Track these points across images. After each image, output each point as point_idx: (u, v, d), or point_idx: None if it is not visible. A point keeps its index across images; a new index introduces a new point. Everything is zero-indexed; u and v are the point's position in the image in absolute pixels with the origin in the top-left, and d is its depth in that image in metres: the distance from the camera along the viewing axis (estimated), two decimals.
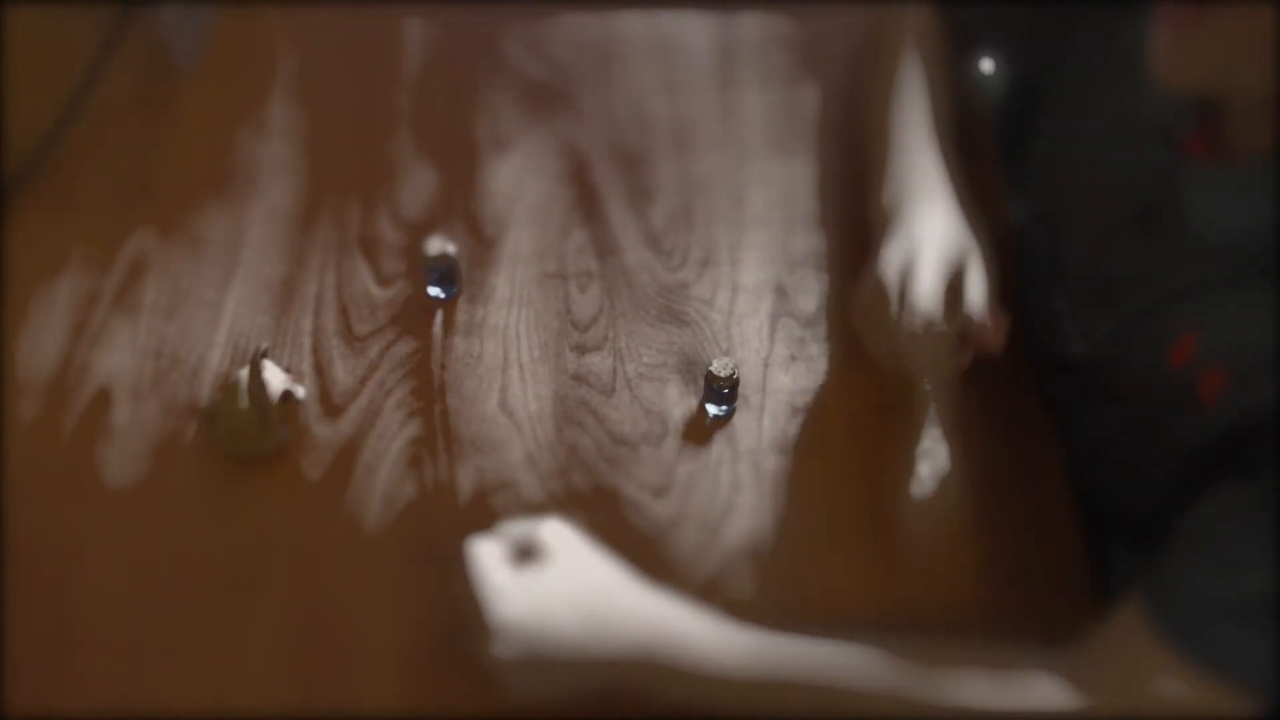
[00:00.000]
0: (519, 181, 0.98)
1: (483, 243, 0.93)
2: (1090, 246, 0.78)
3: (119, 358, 0.86)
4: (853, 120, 1.00)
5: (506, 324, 0.89)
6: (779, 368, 0.86)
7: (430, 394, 0.85)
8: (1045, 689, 0.65)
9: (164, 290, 0.90)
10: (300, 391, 0.81)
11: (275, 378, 0.80)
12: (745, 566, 0.76)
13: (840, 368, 0.86)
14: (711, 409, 0.83)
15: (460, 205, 0.96)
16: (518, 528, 0.71)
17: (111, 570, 0.76)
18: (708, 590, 0.75)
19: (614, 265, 0.92)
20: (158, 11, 1.10)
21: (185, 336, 0.88)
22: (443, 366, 0.86)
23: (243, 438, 0.80)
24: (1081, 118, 0.81)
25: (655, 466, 0.81)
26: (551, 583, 0.68)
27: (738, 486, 0.80)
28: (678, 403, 0.84)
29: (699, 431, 0.83)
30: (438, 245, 0.87)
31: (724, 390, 0.82)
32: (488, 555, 0.68)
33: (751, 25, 1.11)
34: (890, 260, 0.77)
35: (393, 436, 0.82)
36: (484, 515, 0.78)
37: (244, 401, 0.79)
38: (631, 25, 1.11)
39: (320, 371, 0.86)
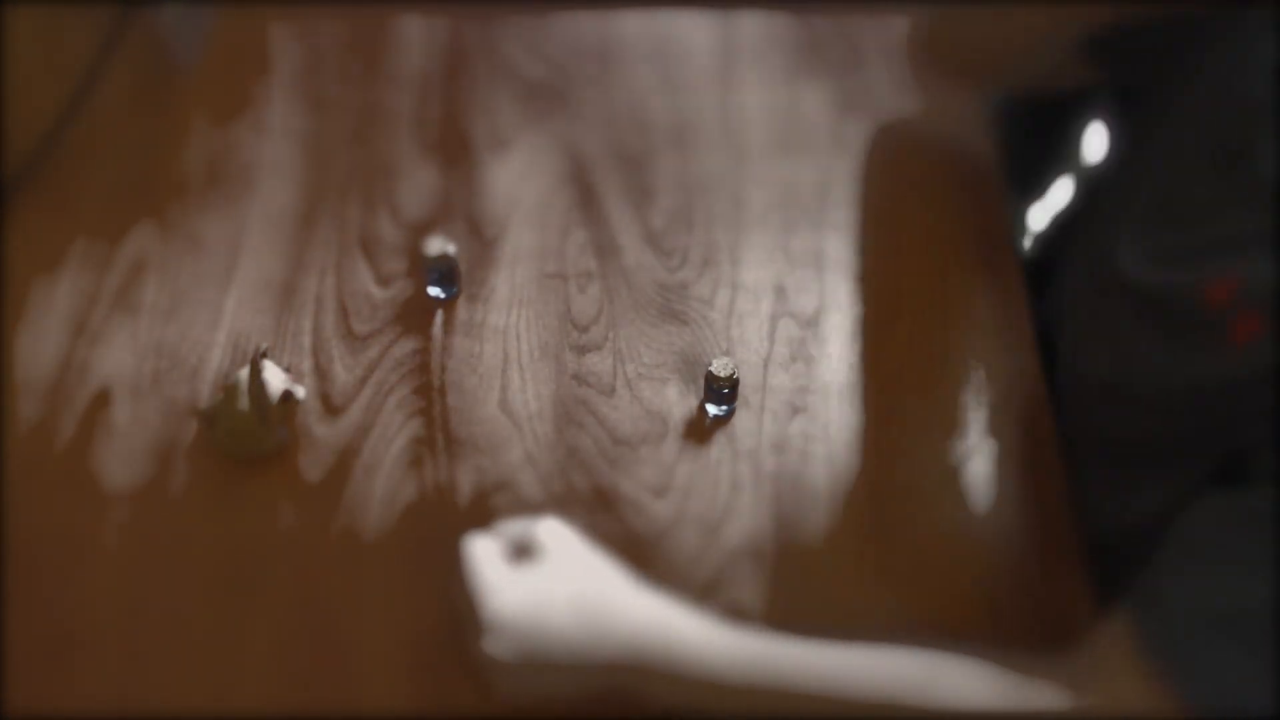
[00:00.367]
0: (519, 181, 0.98)
1: (483, 243, 0.93)
2: (1169, 177, 0.74)
3: (118, 358, 0.86)
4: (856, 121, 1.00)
5: (506, 324, 0.89)
6: (779, 368, 0.86)
7: (430, 394, 0.85)
8: (1041, 697, 0.64)
9: (164, 290, 0.90)
10: (300, 391, 0.81)
11: (275, 378, 0.80)
12: (745, 567, 0.76)
13: (840, 368, 0.86)
14: (711, 409, 0.83)
15: (460, 205, 0.96)
16: (514, 526, 0.71)
17: (111, 570, 0.76)
18: (707, 591, 0.75)
19: (614, 265, 0.92)
20: (158, 11, 1.10)
21: (185, 336, 0.88)
22: (443, 366, 0.86)
23: (243, 438, 0.80)
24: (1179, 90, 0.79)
25: (655, 467, 0.81)
26: (547, 580, 0.68)
27: (737, 487, 0.80)
28: (678, 403, 0.84)
29: (699, 431, 0.83)
30: (438, 245, 0.87)
31: (724, 390, 0.82)
32: (484, 552, 0.68)
33: (751, 24, 1.11)
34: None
35: (393, 436, 0.82)
36: (484, 515, 0.78)
37: (244, 401, 0.79)
38: (631, 25, 1.11)
39: (320, 371, 0.86)
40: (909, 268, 0.92)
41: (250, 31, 1.11)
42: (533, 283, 0.91)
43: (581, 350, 0.87)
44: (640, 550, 0.76)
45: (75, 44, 1.06)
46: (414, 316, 0.89)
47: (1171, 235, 0.72)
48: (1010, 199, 0.97)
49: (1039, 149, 1.09)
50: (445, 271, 0.88)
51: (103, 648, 0.73)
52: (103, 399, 0.84)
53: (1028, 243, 1.15)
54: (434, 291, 0.90)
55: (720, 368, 0.81)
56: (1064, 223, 1.05)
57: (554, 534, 0.70)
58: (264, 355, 0.78)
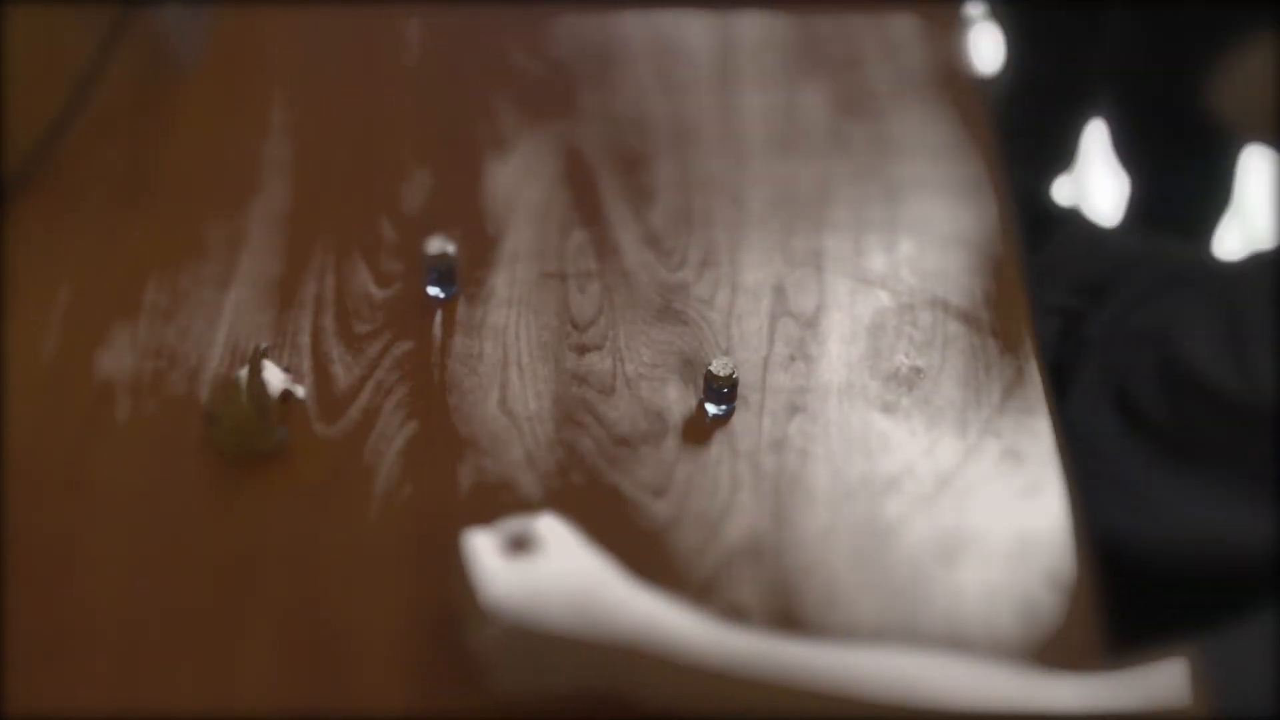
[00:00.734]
0: (518, 181, 0.98)
1: (482, 242, 0.93)
2: None
3: (118, 358, 0.87)
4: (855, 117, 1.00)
5: (506, 324, 0.89)
6: (778, 367, 0.86)
7: (430, 394, 0.85)
8: (1060, 695, 0.63)
9: (163, 290, 0.91)
10: (300, 391, 0.81)
11: (275, 377, 0.80)
12: (744, 566, 0.76)
13: (839, 367, 0.86)
14: (711, 409, 0.83)
15: (460, 205, 0.96)
16: (514, 523, 0.71)
17: (111, 570, 0.76)
18: (706, 590, 0.75)
19: (613, 265, 0.92)
20: (157, 12, 1.10)
21: (185, 336, 0.88)
22: (442, 366, 0.86)
23: (243, 437, 0.80)
24: None
25: (655, 466, 0.81)
26: (544, 571, 0.68)
27: (737, 486, 0.80)
28: (677, 402, 0.84)
29: (698, 431, 0.83)
30: (437, 245, 0.87)
31: (723, 390, 0.82)
32: (482, 544, 0.69)
33: (750, 25, 1.11)
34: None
35: (392, 436, 0.82)
36: (483, 514, 0.78)
37: (244, 401, 0.79)
38: (631, 25, 1.11)
39: (320, 371, 0.86)
40: (909, 267, 0.92)
41: (250, 31, 1.11)
42: (532, 282, 0.91)
43: (581, 350, 0.87)
44: (639, 549, 0.76)
45: (74, 44, 1.06)
46: (413, 316, 0.89)
47: None
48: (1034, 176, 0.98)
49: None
50: (445, 271, 0.88)
51: (102, 647, 0.73)
52: (103, 399, 0.84)
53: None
54: (433, 291, 0.90)
55: (720, 367, 0.81)
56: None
57: (553, 530, 0.70)
58: (264, 355, 0.78)
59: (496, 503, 0.79)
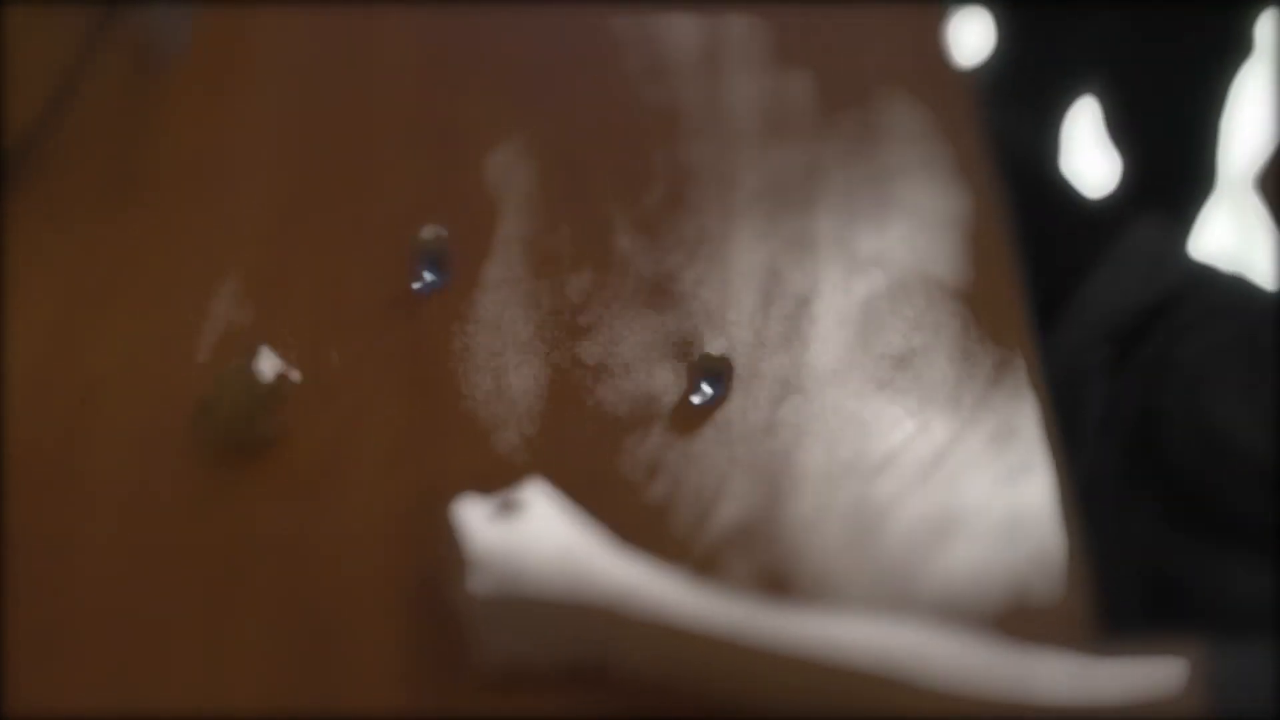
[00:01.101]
0: (510, 170, 0.98)
1: (474, 231, 0.93)
2: None
3: (108, 352, 0.86)
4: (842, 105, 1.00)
5: (498, 311, 0.89)
6: (770, 350, 0.86)
7: (422, 382, 0.85)
8: (1054, 674, 0.63)
9: (150, 284, 0.90)
10: (295, 376, 0.81)
11: (267, 368, 0.80)
12: (738, 549, 0.77)
13: (831, 350, 0.86)
14: (704, 392, 0.83)
15: (451, 194, 0.96)
16: (501, 493, 0.73)
17: (104, 565, 0.76)
18: (700, 572, 0.75)
19: (605, 251, 0.92)
20: (142, 10, 1.10)
21: (174, 329, 0.88)
22: (434, 355, 0.86)
23: (235, 428, 0.80)
24: None
25: (648, 450, 0.81)
26: (530, 529, 0.70)
27: (730, 469, 0.80)
28: (670, 386, 0.84)
29: (691, 415, 0.83)
30: (429, 234, 0.87)
31: (716, 373, 0.82)
32: (468, 507, 0.71)
33: (739, 19, 1.11)
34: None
35: (383, 426, 0.82)
36: None
37: (236, 392, 0.79)
38: (619, 17, 1.11)
39: (310, 362, 0.86)
40: (900, 249, 0.92)
41: (236, 27, 1.10)
42: (524, 270, 0.91)
43: (573, 335, 0.87)
44: (633, 532, 0.76)
45: (60, 42, 1.05)
46: (404, 306, 0.89)
47: None
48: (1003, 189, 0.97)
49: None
50: (436, 260, 0.88)
51: (95, 645, 0.73)
52: (93, 393, 0.84)
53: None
54: (425, 280, 0.90)
55: (712, 351, 0.81)
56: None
57: (538, 494, 0.72)
58: (256, 346, 0.78)
59: (490, 490, 0.79)
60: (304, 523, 0.78)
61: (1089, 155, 1.74)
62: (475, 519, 0.71)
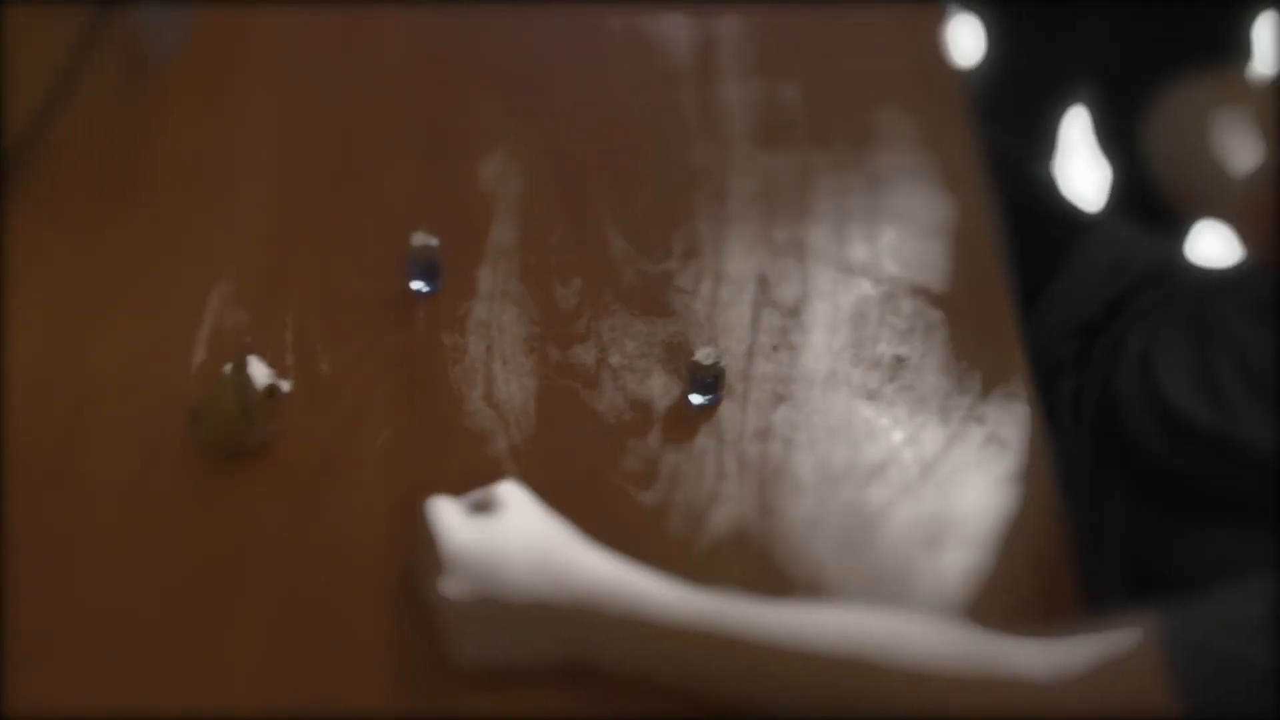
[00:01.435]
0: (502, 175, 0.98)
1: (466, 237, 0.93)
2: None
3: (102, 355, 0.86)
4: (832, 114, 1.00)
5: (490, 317, 0.89)
6: (762, 357, 0.86)
7: (414, 388, 0.85)
8: (1016, 659, 0.63)
9: (147, 286, 0.90)
10: (285, 387, 0.81)
11: (260, 373, 0.80)
12: (730, 555, 0.77)
13: (823, 356, 0.86)
14: (696, 399, 0.83)
15: (443, 199, 0.96)
16: (475, 492, 0.74)
17: (97, 568, 0.76)
18: (693, 579, 0.75)
19: (597, 257, 0.92)
20: (137, 9, 1.10)
21: (168, 333, 0.87)
22: (427, 361, 0.86)
23: (228, 433, 0.79)
24: None
25: (640, 457, 0.81)
26: (506, 528, 0.71)
27: (722, 476, 0.80)
28: (662, 393, 0.84)
29: (683, 422, 0.83)
30: (421, 239, 0.87)
31: (708, 380, 0.82)
32: (443, 506, 0.72)
33: (731, 21, 1.11)
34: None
35: (377, 431, 0.82)
36: None
37: (229, 397, 0.79)
38: (612, 20, 1.11)
39: (304, 366, 0.86)
40: (890, 256, 0.92)
41: (231, 28, 1.10)
42: (516, 276, 0.91)
43: (565, 342, 0.87)
44: (626, 540, 0.76)
45: (54, 43, 1.05)
46: (398, 311, 0.89)
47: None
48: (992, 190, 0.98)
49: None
50: (428, 265, 0.88)
51: (90, 646, 0.73)
52: (86, 395, 0.84)
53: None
54: (417, 285, 0.90)
55: (704, 357, 0.81)
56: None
57: (512, 493, 0.73)
58: (248, 351, 0.78)
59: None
60: (300, 524, 0.78)
61: (1080, 162, 1.75)
62: (450, 519, 0.71)
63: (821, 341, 0.87)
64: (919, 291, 0.90)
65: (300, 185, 0.97)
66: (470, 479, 0.79)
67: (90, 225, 0.94)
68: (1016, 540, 0.77)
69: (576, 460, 0.81)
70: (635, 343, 0.87)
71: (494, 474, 0.80)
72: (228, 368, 0.80)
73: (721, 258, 0.92)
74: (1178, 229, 1.46)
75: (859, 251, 0.93)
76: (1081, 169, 1.76)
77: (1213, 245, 1.55)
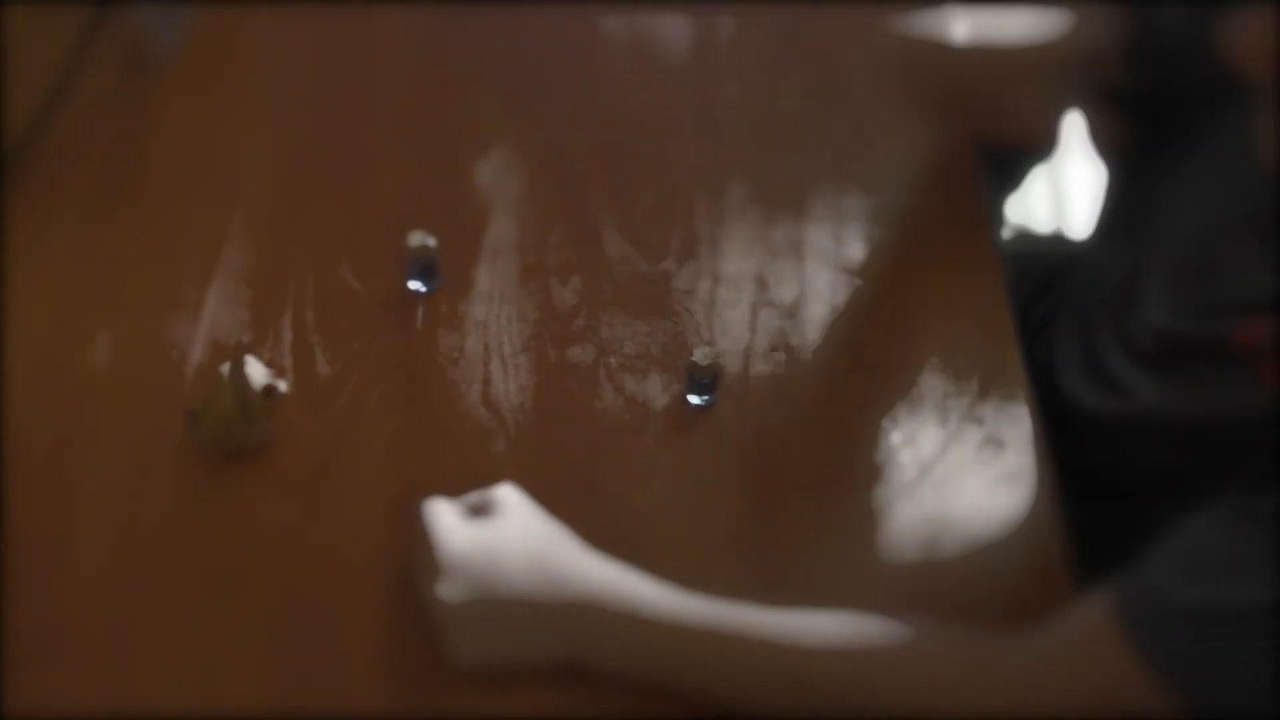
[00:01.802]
0: (499, 175, 0.98)
1: (464, 236, 0.93)
2: (1200, 238, 0.76)
3: (100, 355, 0.86)
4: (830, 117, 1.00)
5: (488, 317, 0.89)
6: (760, 358, 0.86)
7: (412, 388, 0.85)
8: (1000, 668, 0.65)
9: (145, 286, 0.90)
10: (283, 387, 0.81)
11: (258, 373, 0.80)
12: (728, 556, 0.77)
13: (821, 357, 0.86)
14: (694, 399, 0.83)
15: (441, 199, 0.96)
16: (473, 494, 0.74)
17: (95, 568, 0.76)
18: (690, 581, 0.75)
19: (595, 257, 0.92)
20: (136, 10, 1.10)
21: (166, 333, 0.87)
22: (424, 361, 0.86)
23: (226, 433, 0.79)
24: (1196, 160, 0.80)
25: (638, 457, 0.81)
26: (503, 531, 0.71)
27: (720, 476, 0.80)
28: (660, 394, 0.84)
29: (681, 422, 0.83)
30: (419, 239, 0.87)
31: (706, 381, 0.82)
32: (441, 507, 0.72)
33: (730, 20, 1.11)
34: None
35: (375, 431, 0.82)
36: None
37: (227, 397, 0.79)
38: (611, 20, 1.11)
39: (302, 366, 0.86)
40: (889, 257, 0.92)
41: (230, 29, 1.10)
42: (514, 276, 0.91)
43: (563, 342, 0.87)
44: (623, 540, 0.76)
45: (52, 43, 1.05)
46: (396, 311, 0.89)
47: (1205, 293, 0.73)
48: (987, 190, 0.97)
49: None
50: (426, 265, 0.88)
51: (90, 646, 0.73)
52: (84, 396, 0.84)
53: (1007, 233, 1.15)
54: (415, 285, 0.90)
55: (702, 358, 0.81)
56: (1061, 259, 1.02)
57: (510, 496, 0.73)
58: (246, 351, 0.78)
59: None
60: (299, 524, 0.78)
61: (1077, 171, 1.75)
62: (447, 520, 0.71)
63: (819, 342, 0.87)
64: (916, 292, 0.90)
65: (299, 185, 0.97)
66: (468, 479, 0.80)
67: (89, 225, 0.94)
68: (1015, 540, 0.77)
69: (574, 460, 0.81)
70: (633, 343, 0.87)
71: (492, 474, 0.80)
72: (226, 368, 0.80)
73: (720, 258, 0.92)
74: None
75: (857, 252, 0.93)
76: (1078, 173, 1.76)
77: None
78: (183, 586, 0.75)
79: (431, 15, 1.11)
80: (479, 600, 0.68)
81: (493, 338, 0.88)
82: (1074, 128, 0.87)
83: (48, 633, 0.73)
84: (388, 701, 0.71)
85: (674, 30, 1.10)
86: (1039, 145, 0.89)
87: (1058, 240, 1.22)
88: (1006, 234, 1.13)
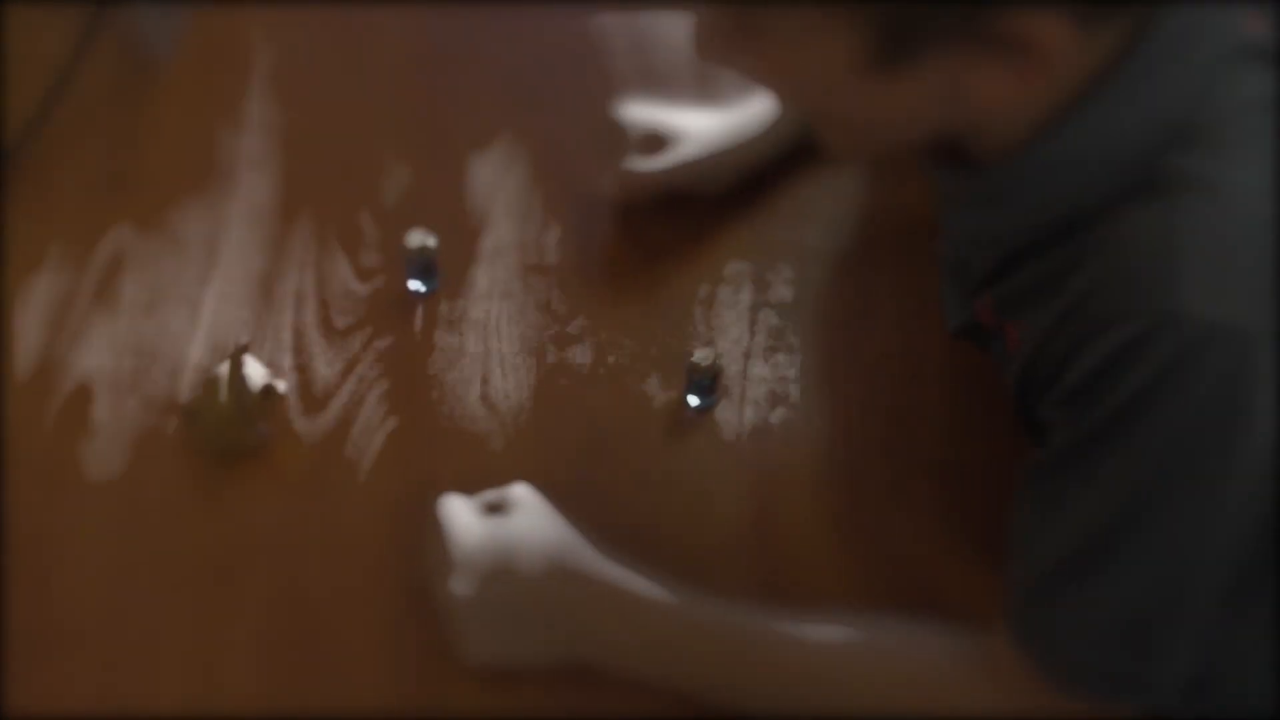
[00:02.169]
0: (499, 175, 0.98)
1: (463, 236, 0.93)
2: (951, 240, 0.81)
3: (98, 355, 0.86)
4: None
5: (487, 317, 0.89)
6: (759, 358, 0.86)
7: (411, 388, 0.85)
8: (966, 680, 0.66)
9: (143, 286, 0.90)
10: (281, 386, 0.81)
11: (256, 373, 0.80)
12: (728, 557, 0.77)
13: (820, 357, 0.86)
14: (693, 400, 0.83)
15: (440, 199, 0.96)
16: (489, 492, 0.75)
17: (94, 568, 0.76)
18: (690, 581, 0.75)
19: (594, 257, 0.92)
20: (134, 9, 1.10)
21: (164, 332, 0.87)
22: (423, 360, 0.86)
23: (224, 434, 0.80)
24: None
25: (637, 458, 0.81)
26: (517, 529, 0.71)
27: (720, 477, 0.80)
28: (659, 394, 0.84)
29: (681, 422, 0.83)
30: (418, 239, 0.87)
31: (706, 381, 0.82)
32: (457, 504, 0.73)
33: None
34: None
35: (374, 430, 0.82)
36: None
37: (224, 397, 0.79)
38: (610, 20, 1.11)
39: (301, 366, 0.86)
40: (888, 258, 0.92)
41: (228, 28, 1.10)
42: (513, 275, 0.91)
43: (563, 342, 0.87)
44: (623, 540, 0.76)
45: (50, 42, 1.05)
46: (394, 310, 0.89)
47: (961, 288, 0.77)
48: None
49: None
50: (425, 265, 0.88)
51: (86, 646, 0.73)
52: (82, 396, 0.84)
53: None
54: (414, 285, 0.90)
55: (702, 358, 0.81)
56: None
57: (525, 496, 0.74)
58: (244, 350, 0.78)
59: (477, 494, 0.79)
60: (297, 524, 0.78)
61: None
62: (463, 517, 0.72)
63: (819, 342, 0.87)
64: (915, 292, 0.90)
65: (297, 184, 0.97)
66: (467, 479, 0.80)
67: (88, 224, 0.94)
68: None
69: (574, 460, 0.81)
70: (632, 343, 0.87)
71: (491, 474, 0.80)
72: (224, 367, 0.80)
73: (719, 258, 0.92)
74: None
75: (857, 252, 0.93)
76: None
77: None
78: (181, 586, 0.75)
79: (431, 15, 1.11)
80: (491, 595, 0.69)
81: (492, 338, 0.88)
82: None
83: (48, 633, 0.73)
84: (386, 700, 0.71)
85: (675, 30, 1.10)
86: None
87: None
88: None
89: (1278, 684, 0.61)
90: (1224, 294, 0.55)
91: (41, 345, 0.87)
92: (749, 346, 0.87)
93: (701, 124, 0.94)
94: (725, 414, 0.83)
